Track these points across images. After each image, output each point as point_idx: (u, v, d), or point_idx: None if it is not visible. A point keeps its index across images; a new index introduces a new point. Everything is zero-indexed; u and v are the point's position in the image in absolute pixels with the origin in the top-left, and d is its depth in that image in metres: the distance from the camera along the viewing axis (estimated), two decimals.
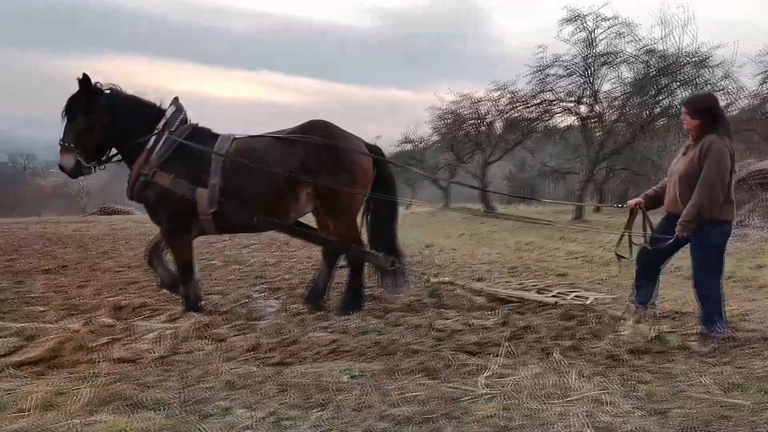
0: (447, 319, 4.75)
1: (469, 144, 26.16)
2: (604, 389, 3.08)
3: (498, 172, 36.48)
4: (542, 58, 19.07)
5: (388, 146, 28.23)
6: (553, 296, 5.56)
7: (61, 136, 4.75)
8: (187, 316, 4.69)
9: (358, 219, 5.11)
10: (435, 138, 28.91)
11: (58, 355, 3.80)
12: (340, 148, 4.82)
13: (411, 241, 12.99)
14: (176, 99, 5.01)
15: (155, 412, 2.78)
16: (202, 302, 5.15)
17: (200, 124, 5.05)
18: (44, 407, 2.80)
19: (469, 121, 25.45)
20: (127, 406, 2.81)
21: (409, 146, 30.82)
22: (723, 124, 4.20)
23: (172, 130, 4.80)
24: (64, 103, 4.77)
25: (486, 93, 23.76)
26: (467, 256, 9.98)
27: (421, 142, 30.44)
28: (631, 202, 4.66)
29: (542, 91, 19.82)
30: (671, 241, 4.20)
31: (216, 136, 4.96)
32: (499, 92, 22.15)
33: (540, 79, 19.40)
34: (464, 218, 20.18)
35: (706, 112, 4.19)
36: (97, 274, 7.74)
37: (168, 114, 4.86)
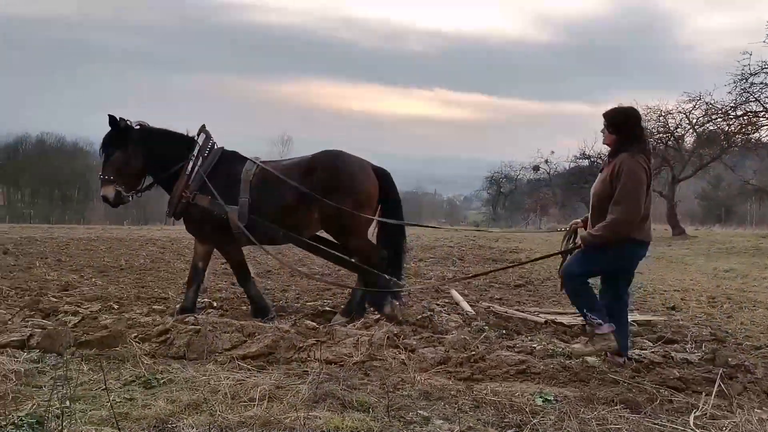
0: (644, 350, 4.45)
1: (656, 160, 24.15)
2: None
3: (689, 191, 33.18)
4: (747, 65, 17.05)
5: (564, 162, 27.10)
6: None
7: (100, 171, 5.33)
8: (380, 325, 4.96)
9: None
10: None
11: (273, 351, 4.25)
12: (344, 174, 5.19)
13: None
14: (203, 126, 5.44)
15: (363, 413, 2.98)
16: (272, 306, 5.63)
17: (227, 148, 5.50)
18: (269, 398, 3.15)
19: (656, 135, 23.54)
20: (338, 404, 3.05)
21: (586, 162, 29.34)
22: (639, 141, 3.93)
23: (205, 155, 5.25)
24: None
25: (676, 105, 21.84)
26: (656, 281, 9.21)
27: (599, 158, 28.79)
28: (573, 222, 4.45)
29: (746, 102, 17.69)
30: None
31: (244, 159, 5.40)
32: (692, 103, 20.23)
33: (743, 89, 17.35)
34: None
35: (624, 128, 3.93)
36: (296, 279, 8.46)
37: (200, 141, 5.31)
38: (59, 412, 2.80)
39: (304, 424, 2.75)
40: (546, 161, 38.65)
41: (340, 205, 5.09)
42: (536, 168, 39.78)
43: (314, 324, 5.03)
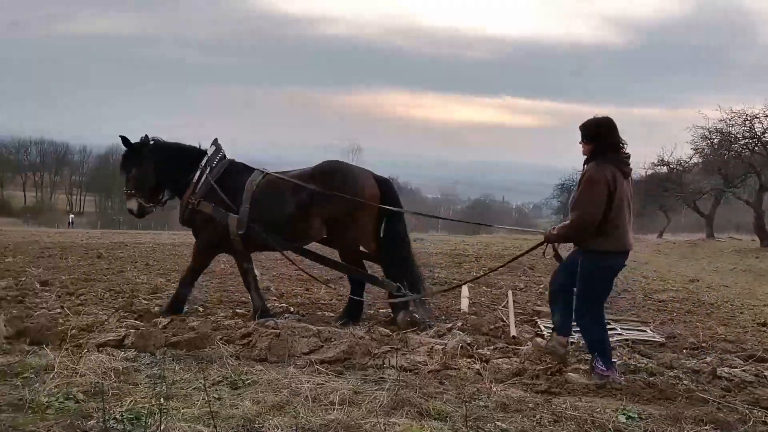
0: (734, 368, 4.21)
1: (742, 166, 22.75)
2: None
3: None
4: None
5: (640, 169, 25.98)
6: None
7: (124, 186, 5.74)
8: (453, 334, 4.94)
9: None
10: (696, 160, 25.81)
11: (349, 357, 4.33)
12: (345, 180, 5.35)
13: (670, 274, 11.79)
14: (216, 140, 5.73)
15: (440, 422, 2.99)
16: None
17: (236, 159, 5.78)
18: (348, 403, 3.21)
19: (741, 141, 22.20)
20: (416, 412, 3.07)
21: (664, 169, 28.02)
22: (610, 151, 3.93)
23: (213, 166, 5.51)
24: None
25: (763, 108, 20.54)
26: (744, 296, 8.68)
27: (678, 165, 27.45)
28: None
29: None
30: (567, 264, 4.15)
31: (251, 169, 5.64)
32: None
33: None
34: (736, 250, 17.59)
35: (596, 138, 3.96)
36: (375, 288, 8.53)
37: (209, 153, 5.59)
38: (155, 409, 2.97)
39: (384, 430, 2.79)
40: None
41: (340, 209, 5.29)
42: None
43: (388, 331, 5.08)
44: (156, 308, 5.98)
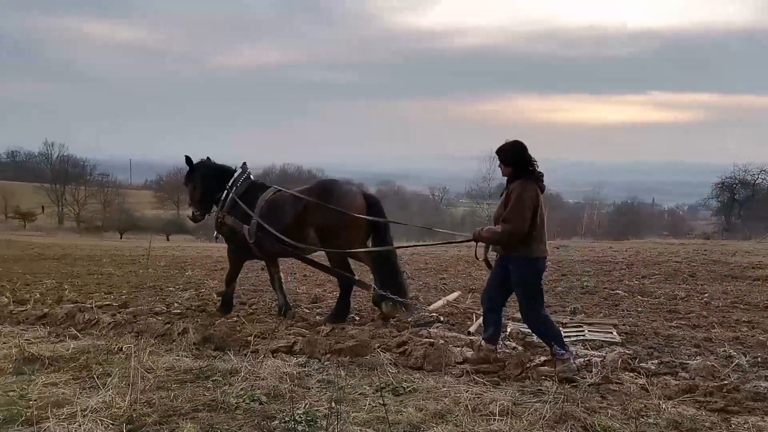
0: None
1: None
2: None
3: None
4: None
5: None
6: None
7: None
8: (612, 348, 4.69)
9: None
10: None
11: (503, 367, 4.28)
12: (333, 198, 5.90)
13: None
14: (244, 164, 6.69)
15: None
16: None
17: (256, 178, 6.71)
18: (509, 414, 3.18)
19: None
20: (580, 427, 2.96)
21: None
22: (530, 169, 4.38)
23: (238, 185, 6.41)
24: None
25: None
26: None
27: None
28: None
29: None
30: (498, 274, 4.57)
31: (267, 187, 6.49)
32: None
33: None
34: None
35: (514, 160, 4.40)
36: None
37: (235, 174, 6.49)
38: (327, 412, 3.17)
39: None
40: None
41: (329, 223, 5.88)
42: None
43: (540, 342, 4.94)
44: (317, 317, 6.37)
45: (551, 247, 18.02)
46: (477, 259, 4.77)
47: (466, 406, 3.27)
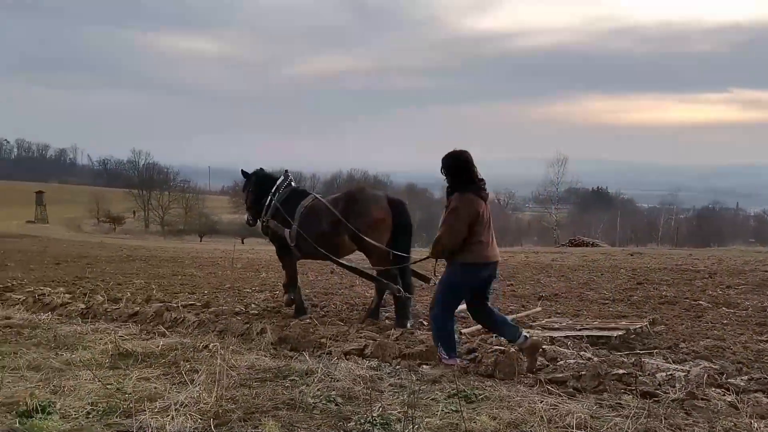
0: None
1: None
2: None
3: None
4: None
5: None
6: None
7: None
8: (696, 362, 4.45)
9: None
10: None
11: (578, 378, 4.14)
12: (360, 203, 6.34)
13: None
14: (286, 171, 7.21)
15: None
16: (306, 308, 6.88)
17: (297, 185, 7.19)
18: (587, 428, 3.08)
19: None
20: None
21: None
22: (470, 180, 4.48)
23: (280, 192, 6.83)
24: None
25: None
26: None
27: None
28: None
29: None
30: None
31: (307, 194, 6.88)
32: None
33: None
34: None
35: (451, 171, 4.50)
36: (585, 304, 8.12)
37: (278, 182, 6.91)
38: (401, 416, 3.19)
39: None
40: None
41: (357, 227, 6.21)
42: None
43: (619, 353, 4.77)
44: (386, 320, 6.42)
45: (625, 253, 17.37)
46: (435, 275, 5.01)
47: (542, 416, 3.20)
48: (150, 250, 25.13)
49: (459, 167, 4.51)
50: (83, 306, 7.58)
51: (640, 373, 4.21)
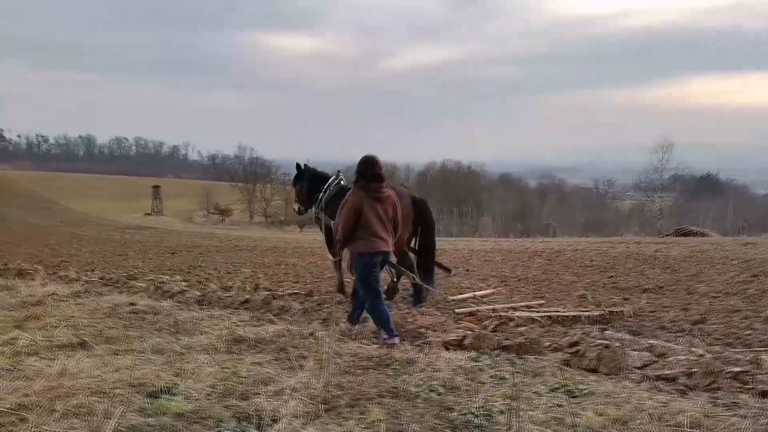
0: None
1: None
2: None
3: None
4: None
5: None
6: None
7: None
8: None
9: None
10: None
11: (689, 375, 3.91)
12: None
13: None
14: (338, 171, 7.81)
15: None
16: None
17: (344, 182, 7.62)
18: (701, 427, 2.91)
19: None
20: None
21: None
22: (362, 180, 5.23)
23: (331, 188, 7.46)
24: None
25: None
26: None
27: None
28: None
29: None
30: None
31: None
32: None
33: None
34: None
35: (356, 172, 5.30)
36: (694, 297, 7.61)
37: (329, 180, 7.57)
38: (504, 408, 3.17)
39: None
40: None
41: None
42: None
43: (734, 350, 4.44)
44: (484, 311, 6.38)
45: (737, 243, 16.00)
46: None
47: (651, 414, 3.06)
48: (254, 240, 26.51)
49: (358, 169, 5.27)
50: (199, 293, 8.17)
51: (759, 371, 3.90)
